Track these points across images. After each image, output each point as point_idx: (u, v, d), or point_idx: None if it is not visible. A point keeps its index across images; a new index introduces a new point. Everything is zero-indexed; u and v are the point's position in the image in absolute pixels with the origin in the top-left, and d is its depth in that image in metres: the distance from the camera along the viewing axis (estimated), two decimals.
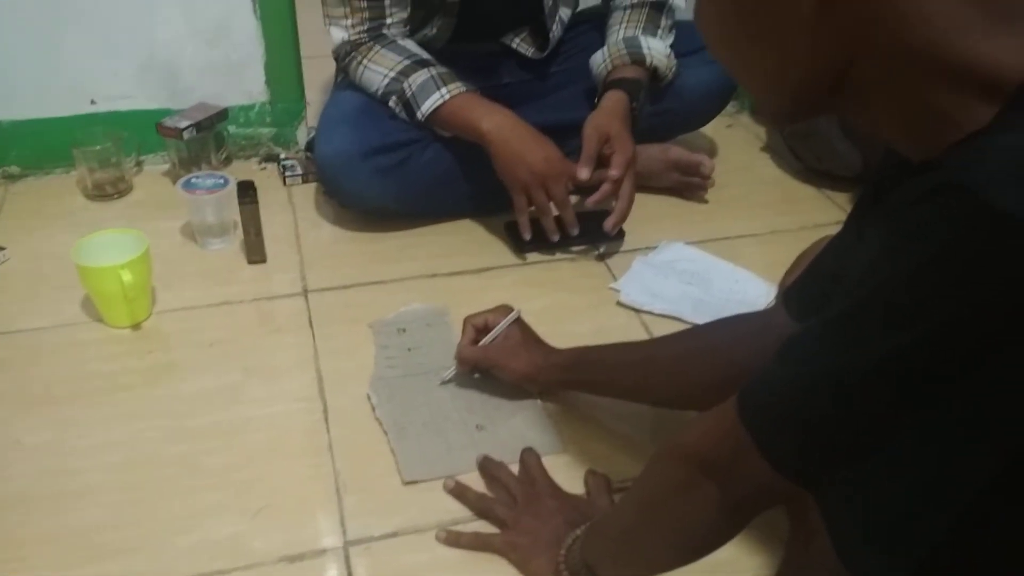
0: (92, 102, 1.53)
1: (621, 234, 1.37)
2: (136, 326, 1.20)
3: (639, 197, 1.38)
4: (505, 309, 1.06)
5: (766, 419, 0.56)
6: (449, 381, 1.08)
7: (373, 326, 1.19)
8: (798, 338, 0.55)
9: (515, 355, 1.03)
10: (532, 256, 1.37)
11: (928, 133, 0.51)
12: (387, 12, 1.33)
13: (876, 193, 0.69)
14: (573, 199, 1.35)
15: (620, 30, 1.42)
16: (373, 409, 1.05)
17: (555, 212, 1.32)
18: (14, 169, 1.55)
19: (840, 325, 0.51)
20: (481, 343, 1.05)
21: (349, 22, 1.33)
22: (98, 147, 1.46)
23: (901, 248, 0.47)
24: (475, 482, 0.96)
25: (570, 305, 1.27)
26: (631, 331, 1.21)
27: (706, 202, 1.52)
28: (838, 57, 0.52)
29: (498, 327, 1.04)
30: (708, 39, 0.59)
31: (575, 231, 1.33)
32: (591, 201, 1.32)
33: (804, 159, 1.59)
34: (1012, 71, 0.47)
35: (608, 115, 1.33)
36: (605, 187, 1.30)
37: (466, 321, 1.07)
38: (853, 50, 0.51)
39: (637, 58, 1.39)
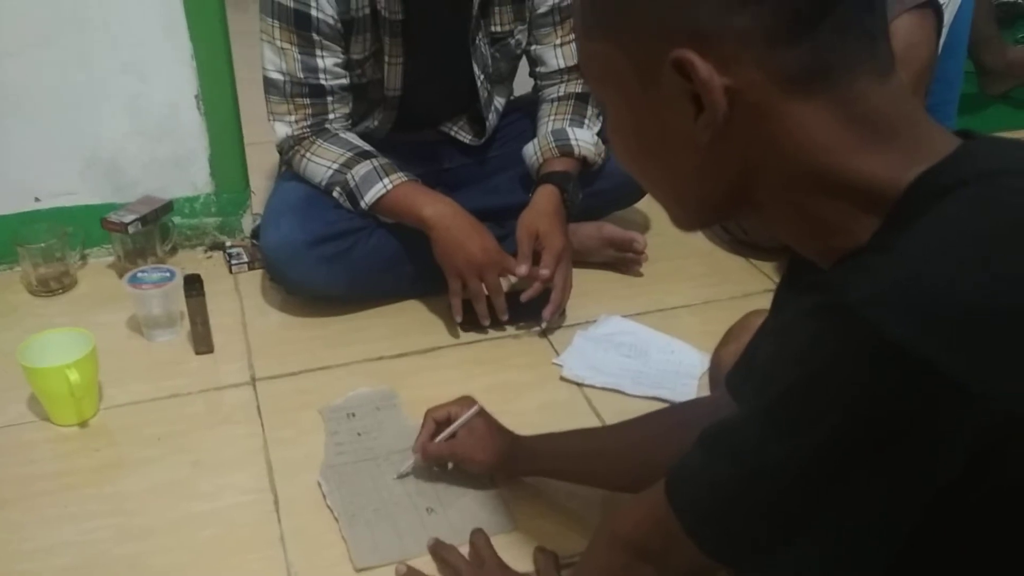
0: (36, 199, 1.55)
1: (561, 316, 1.43)
2: (83, 424, 1.20)
3: (577, 272, 1.44)
4: (467, 401, 1.08)
5: (695, 510, 0.59)
6: (407, 474, 1.09)
7: (322, 412, 1.22)
8: (720, 431, 0.59)
9: (481, 448, 1.04)
10: (477, 335, 1.41)
11: (820, 241, 0.56)
12: (329, 108, 1.39)
13: (791, 279, 0.75)
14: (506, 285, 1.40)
15: (549, 123, 1.50)
16: (324, 497, 1.07)
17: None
18: None
19: (756, 421, 0.55)
20: (440, 437, 1.06)
21: (293, 118, 1.38)
22: (42, 244, 1.47)
23: (784, 366, 0.52)
24: (426, 565, 0.98)
25: (515, 382, 1.31)
26: (575, 405, 1.26)
27: (641, 275, 1.58)
28: (731, 175, 0.57)
29: (459, 421, 1.06)
30: (615, 150, 0.64)
31: (504, 317, 1.39)
32: (524, 297, 1.38)
33: (732, 232, 1.67)
34: (887, 184, 0.53)
35: (537, 213, 1.39)
36: (536, 285, 1.37)
37: (427, 414, 1.08)
38: (748, 171, 0.56)
39: (566, 150, 1.46)
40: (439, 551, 0.98)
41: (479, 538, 0.99)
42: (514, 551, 0.99)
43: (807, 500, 0.52)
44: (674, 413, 1.01)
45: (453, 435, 1.06)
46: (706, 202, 0.61)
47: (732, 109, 0.53)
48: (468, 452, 1.05)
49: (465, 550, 0.98)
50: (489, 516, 1.04)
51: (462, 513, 1.05)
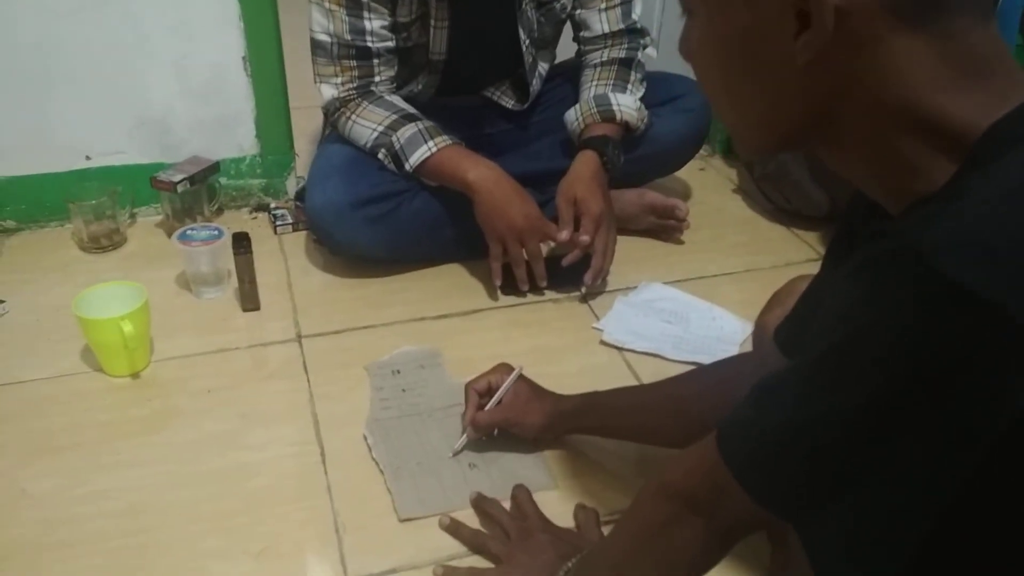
0: (87, 158, 1.58)
1: (602, 282, 1.43)
2: (135, 375, 1.23)
3: (619, 239, 1.44)
4: (505, 368, 1.09)
5: (746, 459, 0.59)
6: (460, 451, 1.08)
7: (368, 368, 1.24)
8: (773, 382, 0.59)
9: (529, 411, 1.05)
10: (517, 299, 1.42)
11: (897, 182, 0.55)
12: (375, 71, 1.40)
13: (848, 233, 0.75)
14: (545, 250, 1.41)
15: (591, 88, 1.49)
16: (370, 449, 1.09)
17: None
18: (10, 223, 1.59)
19: (808, 374, 0.55)
20: (488, 406, 1.07)
21: (339, 80, 1.39)
22: (93, 201, 1.50)
23: (850, 312, 0.51)
24: (469, 518, 1.00)
25: (555, 345, 1.32)
26: (614, 369, 1.26)
27: (682, 243, 1.58)
28: (822, 103, 0.56)
29: (503, 388, 1.06)
30: (699, 70, 0.62)
31: (543, 283, 1.40)
32: (565, 262, 1.39)
33: (774, 200, 1.66)
34: (969, 127, 0.52)
35: (576, 179, 1.40)
36: (575, 252, 1.38)
37: (468, 387, 1.09)
38: (836, 98, 0.55)
39: (607, 116, 1.46)
40: (482, 504, 1.00)
41: (522, 493, 1.01)
42: (554, 508, 1.00)
43: (860, 451, 0.52)
44: (720, 368, 1.01)
45: (499, 403, 1.07)
46: (784, 128, 0.59)
47: (837, 31, 0.52)
48: (517, 416, 1.06)
49: (507, 505, 1.00)
50: (530, 473, 1.06)
51: (503, 471, 1.07)
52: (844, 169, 0.59)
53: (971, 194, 0.49)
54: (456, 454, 1.08)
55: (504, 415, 1.06)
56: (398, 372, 1.23)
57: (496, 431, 1.09)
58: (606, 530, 0.98)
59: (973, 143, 0.52)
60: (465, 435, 1.08)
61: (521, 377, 1.09)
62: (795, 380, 0.57)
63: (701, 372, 1.04)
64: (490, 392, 1.08)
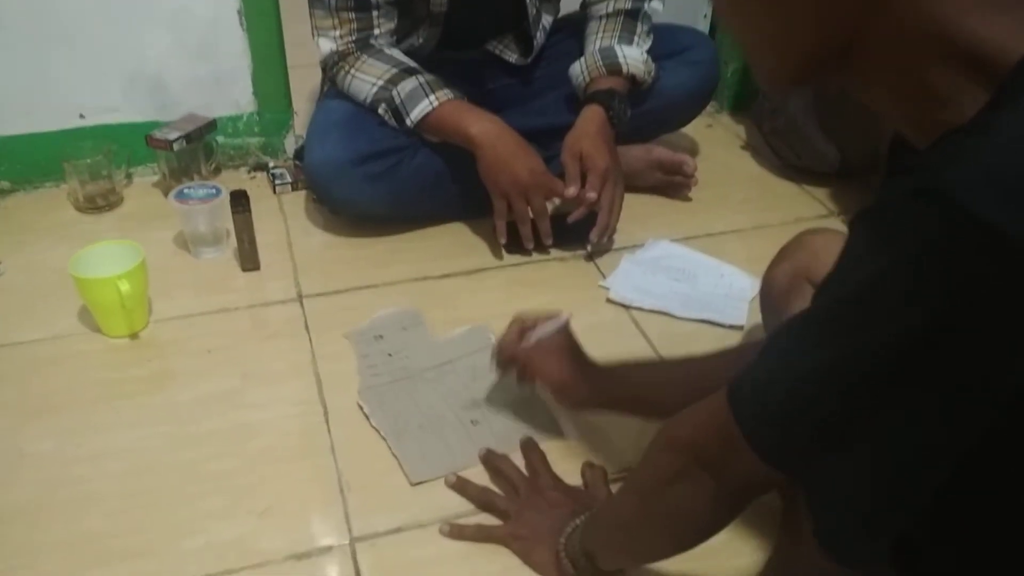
0: (81, 116, 1.54)
1: (609, 240, 1.40)
2: (134, 336, 1.21)
3: (625, 196, 1.41)
4: (557, 315, 1.02)
5: (753, 414, 0.57)
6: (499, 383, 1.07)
7: (349, 336, 1.21)
8: (781, 333, 0.57)
9: (555, 361, 0.97)
10: (521, 258, 1.39)
11: (924, 113, 0.52)
12: (375, 23, 1.36)
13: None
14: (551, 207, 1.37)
15: (596, 40, 1.45)
16: (367, 418, 1.07)
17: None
18: (4, 184, 1.56)
19: (818, 321, 0.53)
20: (523, 343, 1.00)
21: (337, 33, 1.35)
22: (88, 160, 1.47)
23: (880, 247, 0.48)
24: (476, 476, 0.98)
25: (561, 304, 1.26)
26: (622, 327, 1.24)
27: (690, 200, 1.55)
28: (846, 27, 0.53)
29: (542, 328, 1.00)
30: (718, 1, 0.60)
31: (548, 241, 1.37)
32: (571, 219, 1.35)
33: (783, 156, 1.63)
34: (1001, 55, 0.48)
35: (581, 134, 1.36)
36: (581, 209, 1.35)
37: (515, 317, 1.03)
38: (861, 22, 0.52)
39: (613, 68, 1.41)
40: (492, 460, 0.98)
41: (532, 449, 0.99)
42: (562, 466, 0.99)
43: (879, 398, 0.50)
44: (753, 348, 0.97)
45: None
46: (811, 55, 0.56)
47: None
48: (540, 363, 0.98)
49: (516, 459, 0.98)
50: (534, 425, 1.04)
51: (506, 424, 1.05)
52: (873, 103, 0.56)
53: (1000, 130, 0.46)
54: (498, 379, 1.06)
55: (529, 355, 0.99)
56: (381, 337, 1.20)
57: (515, 375, 1.02)
58: (615, 488, 0.96)
59: (1005, 73, 0.48)
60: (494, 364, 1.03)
61: (565, 330, 1.00)
62: (810, 328, 0.55)
63: (735, 350, 0.98)
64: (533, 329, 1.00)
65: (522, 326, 1.01)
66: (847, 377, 0.51)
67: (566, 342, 0.99)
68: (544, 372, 0.98)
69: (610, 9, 1.47)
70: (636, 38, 1.46)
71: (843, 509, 0.55)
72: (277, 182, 1.57)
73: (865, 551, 0.55)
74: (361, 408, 1.08)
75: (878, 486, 0.53)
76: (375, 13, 1.35)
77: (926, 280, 0.46)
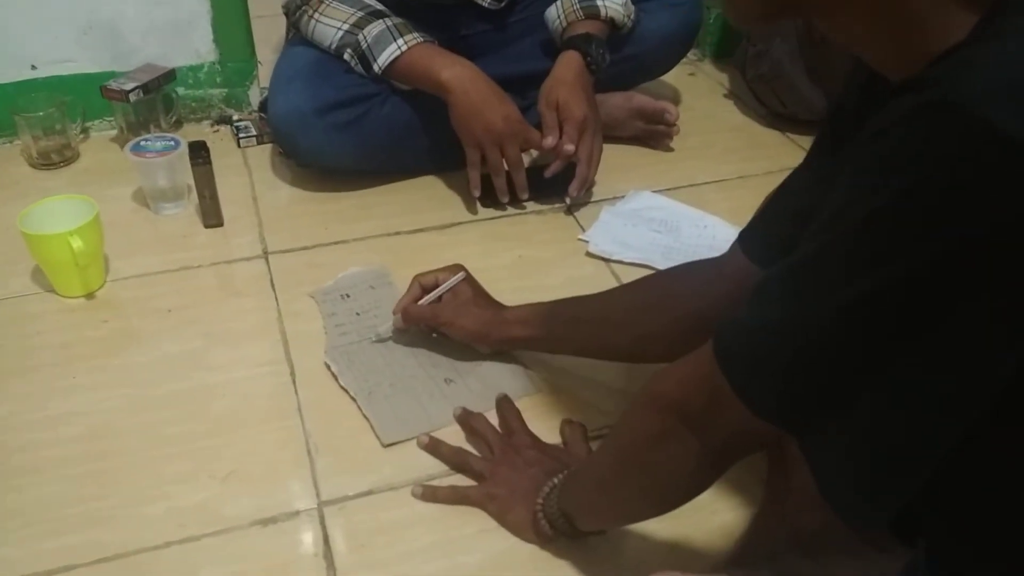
0: (32, 67, 1.46)
1: (587, 192, 1.35)
2: (90, 295, 1.15)
3: (605, 147, 1.36)
4: (456, 268, 1.03)
5: (743, 365, 0.54)
6: (386, 338, 1.05)
7: (315, 295, 1.15)
8: (768, 282, 0.54)
9: (464, 313, 1.00)
10: (497, 212, 1.34)
11: (905, 43, 0.48)
12: None
13: (838, 122, 0.67)
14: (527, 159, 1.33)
15: None
16: (335, 378, 1.02)
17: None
18: None
19: (812, 268, 0.49)
20: (422, 300, 1.02)
21: None
22: (41, 113, 1.40)
23: (880, 178, 0.44)
24: (452, 436, 0.94)
25: (539, 258, 1.25)
26: (601, 281, 1.20)
27: (671, 150, 1.50)
28: None
29: (443, 286, 1.02)
30: None
31: (524, 195, 1.32)
32: (548, 172, 1.30)
33: (768, 104, 1.58)
34: None
35: (557, 81, 1.30)
36: (558, 162, 1.29)
37: (415, 279, 1.04)
38: None
39: (591, 12, 1.35)
40: (467, 419, 0.94)
41: (508, 406, 0.95)
42: (539, 423, 0.95)
43: (884, 346, 0.46)
44: (670, 278, 0.94)
45: (439, 300, 1.02)
46: None
47: None
48: (450, 317, 1.00)
49: (491, 417, 0.94)
50: (509, 382, 1.00)
51: (482, 381, 1.01)
52: (846, 38, 0.52)
53: (1012, 35, 0.42)
54: (380, 339, 1.05)
55: (435, 312, 1.01)
56: (347, 296, 1.15)
57: (434, 334, 1.04)
58: (594, 445, 0.92)
59: None
60: (391, 322, 1.05)
61: (468, 280, 1.03)
62: (795, 274, 0.51)
63: (651, 280, 0.96)
64: (436, 287, 1.02)
65: (422, 286, 1.03)
66: (859, 314, 0.46)
67: (472, 292, 1.02)
68: (456, 327, 1.00)
69: None
70: None
71: (842, 466, 0.51)
72: (241, 136, 1.50)
73: (869, 508, 0.52)
74: (329, 368, 1.03)
75: (878, 445, 0.49)
76: None
77: (950, 199, 0.41)
